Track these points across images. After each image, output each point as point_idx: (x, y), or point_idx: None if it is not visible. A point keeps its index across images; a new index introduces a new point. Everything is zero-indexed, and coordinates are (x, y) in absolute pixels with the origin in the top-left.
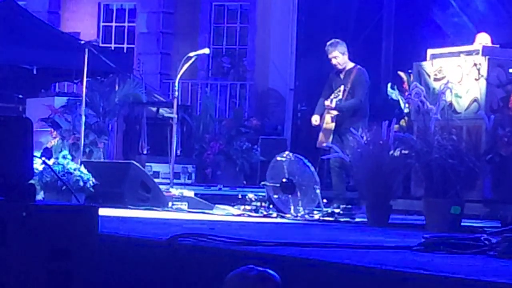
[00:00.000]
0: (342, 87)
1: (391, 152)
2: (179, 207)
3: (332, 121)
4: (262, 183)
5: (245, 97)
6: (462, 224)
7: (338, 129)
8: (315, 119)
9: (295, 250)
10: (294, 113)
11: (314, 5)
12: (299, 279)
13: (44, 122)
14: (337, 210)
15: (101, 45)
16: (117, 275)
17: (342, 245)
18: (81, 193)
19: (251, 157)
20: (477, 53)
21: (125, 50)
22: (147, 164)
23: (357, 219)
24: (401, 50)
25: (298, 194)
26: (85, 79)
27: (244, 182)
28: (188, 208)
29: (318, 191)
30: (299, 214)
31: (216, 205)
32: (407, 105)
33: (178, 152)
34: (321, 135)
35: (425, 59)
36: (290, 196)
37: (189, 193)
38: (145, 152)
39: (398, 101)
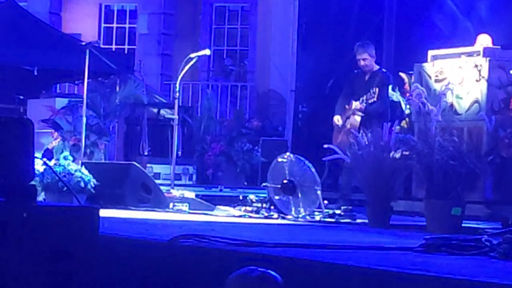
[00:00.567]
0: (376, 90)
1: (392, 153)
2: (180, 208)
3: (355, 123)
4: (263, 184)
5: (246, 98)
6: (463, 225)
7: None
8: (337, 119)
9: (296, 251)
10: (295, 114)
11: (315, 7)
12: (300, 280)
13: (45, 123)
14: (338, 212)
15: (102, 46)
16: (118, 276)
17: (343, 246)
18: (82, 194)
19: (252, 158)
20: (478, 55)
21: (126, 51)
22: (148, 165)
23: (358, 220)
24: (402, 52)
25: (299, 195)
26: (86, 80)
27: (245, 183)
28: (189, 209)
29: (319, 192)
30: (300, 215)
31: (217, 206)
32: (408, 106)
33: (179, 153)
34: (341, 135)
35: (426, 61)
36: (291, 197)
37: (190, 194)
38: (146, 153)
39: (399, 102)
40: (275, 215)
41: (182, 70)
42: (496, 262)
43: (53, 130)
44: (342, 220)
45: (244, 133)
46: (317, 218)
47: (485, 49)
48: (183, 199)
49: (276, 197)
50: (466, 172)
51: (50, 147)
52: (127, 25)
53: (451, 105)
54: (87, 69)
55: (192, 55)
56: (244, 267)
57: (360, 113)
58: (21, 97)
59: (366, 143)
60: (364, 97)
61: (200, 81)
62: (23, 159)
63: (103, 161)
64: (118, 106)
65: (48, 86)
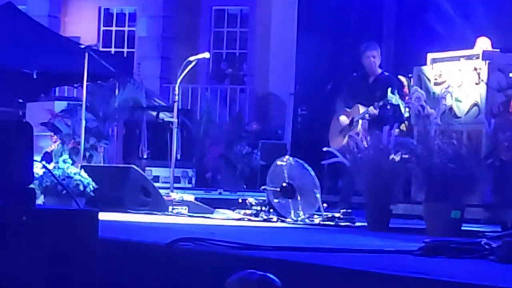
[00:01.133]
0: (397, 96)
1: (392, 156)
2: (179, 211)
3: (364, 128)
4: (262, 187)
5: (245, 101)
6: (463, 228)
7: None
8: (344, 119)
9: (295, 255)
10: (294, 118)
11: (314, 10)
12: (300, 283)
13: (44, 127)
14: (337, 215)
15: (101, 49)
16: (117, 280)
17: (342, 249)
18: (81, 198)
19: (251, 162)
20: (477, 58)
21: (125, 54)
22: (147, 168)
23: (357, 224)
24: (401, 55)
25: (298, 198)
26: (85, 84)
27: (244, 186)
28: (188, 212)
29: (318, 195)
30: (299, 218)
31: (217, 209)
32: (407, 109)
33: (178, 156)
34: (345, 139)
35: (425, 64)
36: (290, 200)
37: (189, 197)
38: (145, 156)
39: (398, 105)
40: (274, 218)
41: (182, 73)
42: (495, 266)
43: (52, 133)
44: (342, 223)
45: (244, 136)
46: (316, 221)
47: (484, 52)
48: (182, 202)
49: (275, 200)
50: (466, 175)
51: (49, 150)
52: (126, 28)
53: (451, 108)
54: (86, 72)
55: (191, 58)
56: (243, 270)
57: (368, 118)
58: (20, 100)
59: (366, 146)
60: (381, 103)
61: (199, 84)
62: (22, 162)
63: (102, 164)
64: (117, 109)
65: (47, 89)
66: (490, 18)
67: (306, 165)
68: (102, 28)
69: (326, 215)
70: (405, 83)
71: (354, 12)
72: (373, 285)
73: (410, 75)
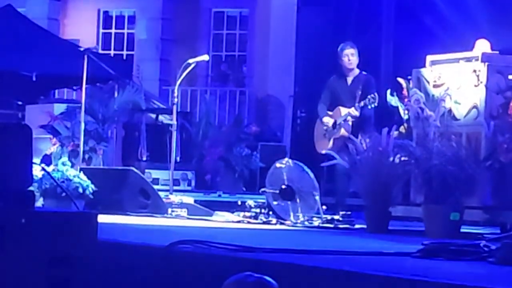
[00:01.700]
0: (360, 93)
1: (391, 158)
2: (179, 213)
3: (348, 130)
4: (262, 189)
5: (244, 103)
6: (462, 230)
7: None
8: (327, 120)
9: (293, 257)
10: (293, 120)
11: (313, 12)
12: (298, 286)
13: (44, 129)
14: (336, 217)
15: (100, 51)
16: (116, 282)
17: (341, 251)
18: (80, 200)
19: (250, 164)
20: (477, 60)
21: (124, 57)
22: (146, 170)
23: (356, 226)
24: (400, 57)
25: (298, 200)
26: (84, 86)
27: (244, 188)
28: (188, 214)
29: (317, 197)
30: (298, 221)
31: (216, 212)
32: (406, 111)
33: (178, 158)
34: (331, 142)
35: (424, 66)
36: (289, 202)
37: (188, 199)
38: (144, 158)
39: (397, 107)
40: (274, 221)
41: (181, 75)
42: (494, 268)
43: (51, 136)
44: (341, 226)
45: (243, 139)
46: (316, 223)
47: (483, 54)
48: (181, 205)
49: (275, 203)
50: (465, 177)
51: (48, 152)
52: (125, 31)
53: (450, 110)
54: (86, 74)
55: (190, 61)
56: (240, 273)
57: (350, 119)
58: (19, 102)
59: (365, 148)
60: (362, 103)
61: (199, 87)
62: (21, 165)
63: (101, 166)
64: (117, 112)
65: (47, 92)
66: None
67: (305, 167)
68: (102, 30)
69: (325, 217)
70: (404, 85)
71: (353, 13)
72: (372, 287)
73: (409, 77)
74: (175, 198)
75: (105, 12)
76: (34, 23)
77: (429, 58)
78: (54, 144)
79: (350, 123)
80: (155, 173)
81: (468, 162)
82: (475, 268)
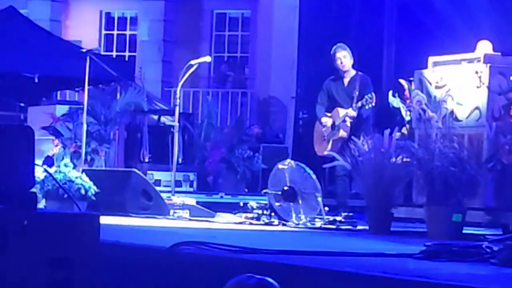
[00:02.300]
0: (357, 93)
1: (393, 160)
2: (181, 215)
3: (347, 131)
4: (264, 191)
5: (246, 105)
6: (464, 231)
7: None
8: (326, 120)
9: (296, 258)
10: (295, 121)
11: (315, 13)
12: (299, 287)
13: (46, 131)
14: (338, 218)
15: (102, 53)
16: (118, 283)
17: (343, 253)
18: (82, 201)
19: (252, 165)
20: (479, 61)
21: (126, 58)
22: (148, 172)
23: (358, 227)
24: (402, 58)
25: (300, 201)
26: (86, 87)
27: (246, 190)
28: (190, 216)
29: (319, 198)
30: (300, 222)
31: (218, 213)
32: (408, 113)
33: (180, 160)
34: (330, 144)
35: (426, 67)
36: (291, 204)
37: (190, 201)
38: (146, 160)
39: (399, 109)
40: (276, 222)
41: (183, 77)
42: (496, 269)
43: (53, 137)
44: (343, 227)
45: (245, 140)
46: (318, 224)
47: (485, 55)
48: (183, 206)
49: (277, 204)
50: (467, 179)
51: (50, 154)
52: (127, 32)
53: (452, 111)
54: (88, 76)
55: (192, 62)
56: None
57: (348, 120)
58: (22, 104)
59: (366, 149)
60: (359, 104)
61: (201, 88)
62: (23, 166)
63: (103, 168)
64: (119, 113)
65: (49, 93)
66: (491, 21)
67: (307, 168)
68: (104, 32)
69: (328, 218)
70: (406, 86)
71: (355, 15)
72: None
73: (411, 78)
74: (177, 199)
75: (107, 14)
76: (36, 25)
77: (431, 59)
78: (56, 146)
79: (348, 124)
80: (157, 175)
81: (470, 163)
82: (477, 269)
